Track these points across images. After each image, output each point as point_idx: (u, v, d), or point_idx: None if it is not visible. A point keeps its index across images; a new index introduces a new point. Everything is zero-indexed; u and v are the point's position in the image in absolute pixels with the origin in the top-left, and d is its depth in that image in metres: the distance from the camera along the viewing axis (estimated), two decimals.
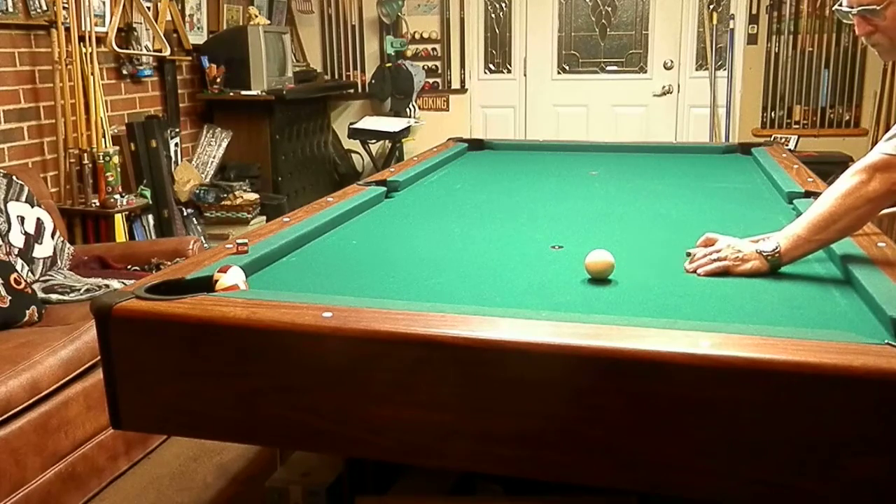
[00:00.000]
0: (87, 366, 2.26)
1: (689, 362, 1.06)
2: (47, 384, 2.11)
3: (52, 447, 2.11)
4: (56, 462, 2.12)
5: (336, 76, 5.47)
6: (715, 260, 1.52)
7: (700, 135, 5.08)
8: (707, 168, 2.82)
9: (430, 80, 5.36)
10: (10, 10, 3.25)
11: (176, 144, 4.33)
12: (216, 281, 1.39)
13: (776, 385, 1.04)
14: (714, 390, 1.06)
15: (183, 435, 2.05)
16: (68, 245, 3.11)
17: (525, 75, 5.35)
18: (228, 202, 4.31)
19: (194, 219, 4.32)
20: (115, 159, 3.58)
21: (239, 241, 1.63)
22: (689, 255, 1.60)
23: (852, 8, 1.50)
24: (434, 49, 5.34)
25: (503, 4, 5.30)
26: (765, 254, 1.49)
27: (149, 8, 4.07)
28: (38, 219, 2.94)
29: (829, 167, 4.44)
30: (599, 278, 1.48)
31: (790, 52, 4.85)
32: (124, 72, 4.03)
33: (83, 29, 3.47)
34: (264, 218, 4.35)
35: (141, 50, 4.06)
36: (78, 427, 2.20)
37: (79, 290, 2.76)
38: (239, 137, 4.62)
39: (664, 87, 5.14)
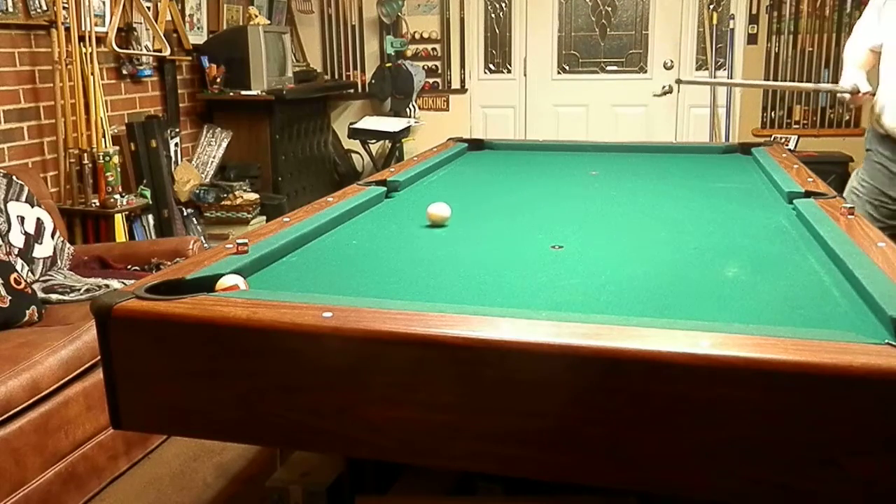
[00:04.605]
0: (87, 366, 2.26)
1: (689, 362, 1.06)
2: (47, 384, 2.11)
3: (52, 447, 2.11)
4: (56, 462, 2.12)
5: (336, 76, 5.47)
6: None
7: (700, 135, 5.08)
8: (707, 168, 2.82)
9: (430, 80, 5.36)
10: (10, 10, 3.25)
11: (176, 144, 4.33)
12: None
13: (776, 385, 1.04)
14: (714, 390, 1.06)
15: (183, 435, 2.06)
16: (68, 245, 3.11)
17: (525, 75, 5.35)
18: (228, 202, 4.31)
19: (194, 219, 4.32)
20: (115, 159, 3.59)
21: (239, 241, 1.63)
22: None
23: None
24: (434, 49, 5.34)
25: (503, 4, 5.30)
26: None
27: (149, 8, 4.07)
28: (38, 219, 2.94)
29: (829, 167, 4.45)
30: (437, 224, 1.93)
31: (790, 52, 4.85)
32: (124, 72, 4.04)
33: (83, 29, 3.48)
34: (264, 218, 4.35)
35: (141, 50, 4.07)
36: (78, 427, 2.20)
37: (79, 290, 2.77)
38: (239, 137, 4.62)
39: (664, 87, 5.14)
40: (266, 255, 1.62)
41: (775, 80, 4.88)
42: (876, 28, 2.75)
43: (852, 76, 2.80)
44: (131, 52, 4.00)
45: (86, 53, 3.49)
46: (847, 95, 2.81)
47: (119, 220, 3.59)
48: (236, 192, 4.34)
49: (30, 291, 2.56)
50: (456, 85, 5.37)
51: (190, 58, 4.56)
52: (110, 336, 1.30)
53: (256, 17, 4.78)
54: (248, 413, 1.27)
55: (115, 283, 2.77)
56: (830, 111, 4.85)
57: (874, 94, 2.78)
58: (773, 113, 4.96)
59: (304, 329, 1.20)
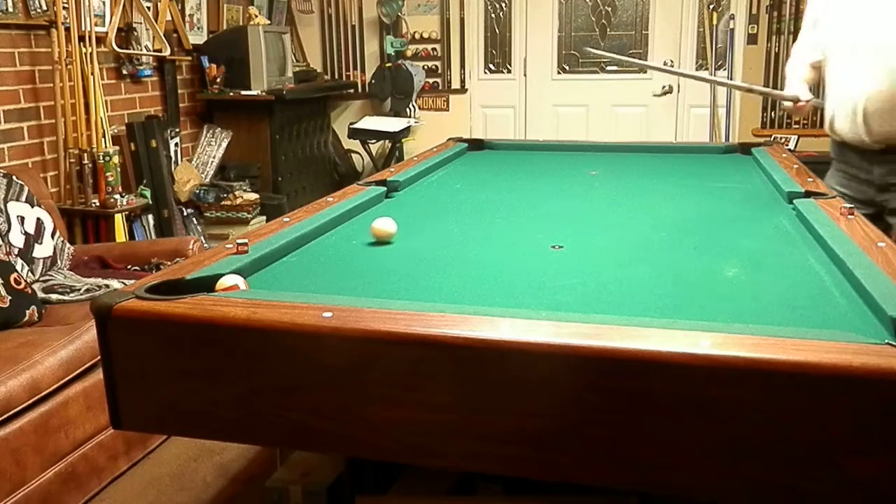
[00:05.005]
0: (87, 366, 2.26)
1: (689, 362, 1.06)
2: (47, 384, 2.11)
3: (52, 447, 2.11)
4: (56, 462, 2.12)
5: (336, 76, 5.47)
6: None
7: (700, 135, 5.08)
8: (707, 168, 2.82)
9: (430, 80, 5.36)
10: (10, 10, 3.25)
11: (176, 144, 4.33)
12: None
13: (776, 385, 1.04)
14: (714, 390, 1.06)
15: (183, 435, 2.05)
16: (68, 245, 3.11)
17: (525, 75, 5.35)
18: (228, 202, 4.32)
19: (194, 219, 4.32)
20: (115, 159, 3.59)
21: (239, 241, 1.63)
22: None
23: None
24: (434, 49, 5.34)
25: (503, 4, 5.30)
26: None
27: (149, 8, 4.08)
28: (38, 219, 2.94)
29: (828, 167, 4.44)
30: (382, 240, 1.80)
31: (790, 52, 4.84)
32: (124, 72, 4.04)
33: (83, 29, 3.48)
34: (264, 218, 4.36)
35: (141, 50, 4.07)
36: (78, 427, 2.20)
37: (79, 290, 2.77)
38: (239, 137, 4.62)
39: (664, 87, 5.14)
40: (266, 255, 1.62)
41: (775, 80, 4.87)
42: (814, 43, 2.79)
43: (794, 88, 2.85)
44: (131, 52, 4.00)
45: (86, 53, 3.49)
46: (789, 104, 2.85)
47: (119, 220, 3.59)
48: (236, 192, 4.34)
49: (30, 291, 2.56)
50: (456, 85, 5.37)
51: (190, 58, 4.56)
52: (110, 336, 1.30)
53: (256, 17, 4.78)
54: (248, 413, 1.27)
55: (115, 283, 2.77)
56: None
57: (820, 106, 2.81)
58: (773, 113, 4.96)
59: (304, 329, 1.20)
